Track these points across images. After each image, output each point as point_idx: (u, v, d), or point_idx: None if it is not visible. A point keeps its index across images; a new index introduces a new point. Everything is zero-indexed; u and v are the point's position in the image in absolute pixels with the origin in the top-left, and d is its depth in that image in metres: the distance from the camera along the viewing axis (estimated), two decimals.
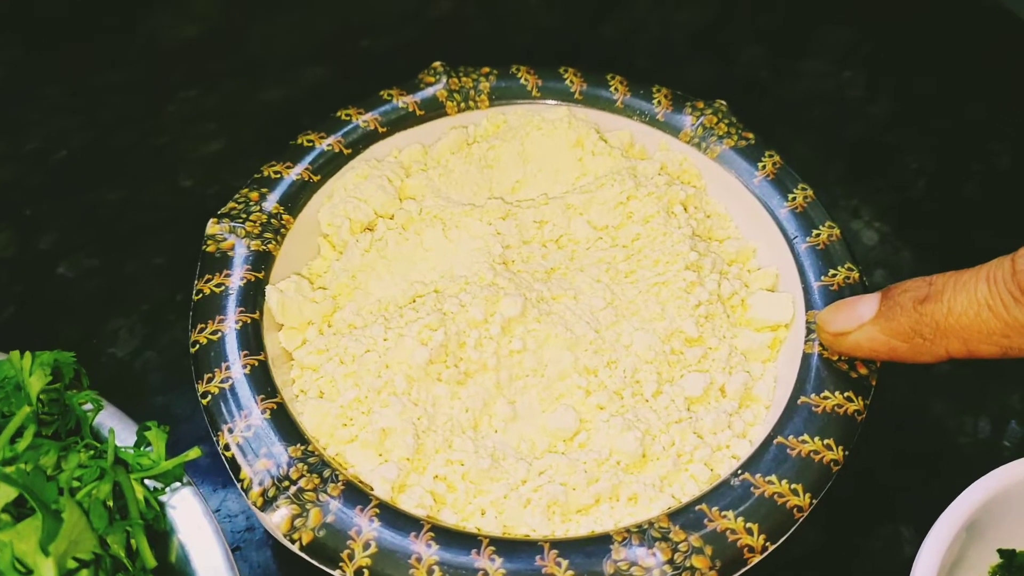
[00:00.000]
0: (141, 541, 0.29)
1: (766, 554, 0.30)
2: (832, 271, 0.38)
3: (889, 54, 0.63)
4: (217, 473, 0.40)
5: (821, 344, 0.35)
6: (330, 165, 0.42)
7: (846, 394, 0.34)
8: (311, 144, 0.43)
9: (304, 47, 0.63)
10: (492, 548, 0.30)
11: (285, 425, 0.33)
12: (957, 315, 0.28)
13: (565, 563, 0.29)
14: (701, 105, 0.45)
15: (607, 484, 0.33)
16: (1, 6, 0.64)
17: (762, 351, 0.38)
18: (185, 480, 0.31)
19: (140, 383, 0.44)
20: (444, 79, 0.46)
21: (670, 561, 0.29)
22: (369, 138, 0.44)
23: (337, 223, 0.40)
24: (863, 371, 0.35)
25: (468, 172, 0.44)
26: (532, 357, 0.36)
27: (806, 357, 0.36)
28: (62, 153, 0.55)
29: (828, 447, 0.32)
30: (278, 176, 0.41)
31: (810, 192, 0.41)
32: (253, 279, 0.37)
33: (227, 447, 0.32)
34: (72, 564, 0.26)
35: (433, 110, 0.45)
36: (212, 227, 0.39)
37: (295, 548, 0.30)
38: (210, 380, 0.34)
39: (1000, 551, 0.35)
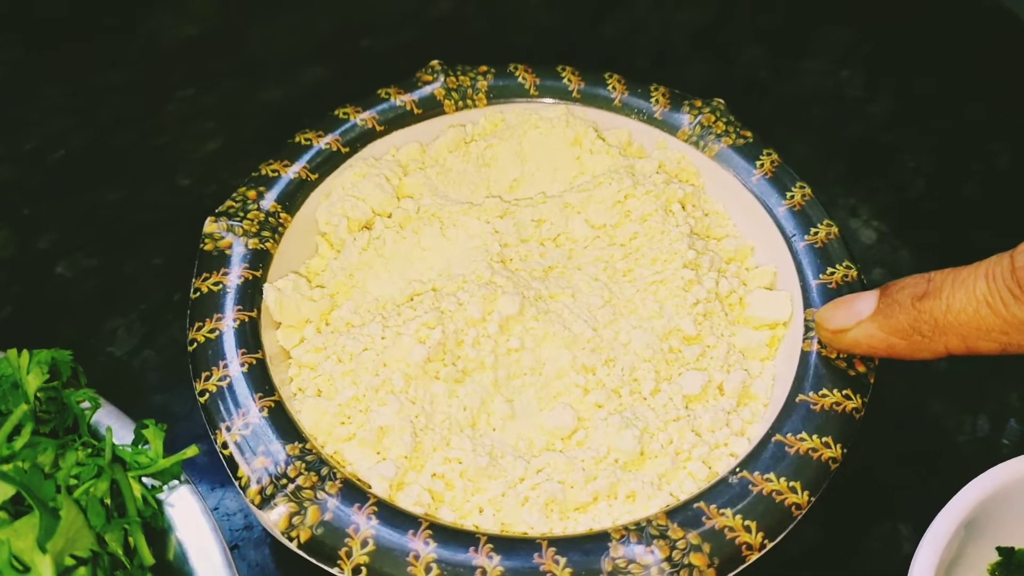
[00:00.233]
0: (139, 539, 0.29)
1: (764, 552, 0.30)
2: (830, 269, 0.38)
3: (889, 54, 0.63)
4: (215, 471, 0.40)
5: (820, 342, 0.35)
6: (328, 163, 0.42)
7: (844, 392, 0.34)
8: (309, 142, 0.43)
9: (304, 47, 0.63)
10: (490, 546, 0.30)
11: (283, 423, 0.33)
12: (956, 312, 0.28)
13: (563, 560, 0.29)
14: (699, 104, 0.45)
15: (605, 482, 0.33)
16: (1, 6, 0.64)
17: (760, 349, 0.38)
18: (183, 478, 0.31)
19: (138, 382, 0.44)
20: (442, 78, 0.46)
21: (668, 559, 0.29)
22: (367, 136, 0.44)
23: (335, 221, 0.41)
24: (861, 369, 0.35)
25: (466, 171, 0.44)
26: (530, 355, 0.36)
27: (804, 355, 0.36)
28: (61, 153, 0.55)
29: (826, 445, 0.32)
30: (276, 175, 0.41)
31: (808, 190, 0.41)
32: (251, 277, 0.37)
33: (225, 445, 0.32)
34: (70, 562, 0.26)
35: (431, 109, 0.45)
36: (210, 225, 0.39)
37: (293, 546, 0.30)
38: (208, 378, 0.34)
39: (999, 549, 0.35)
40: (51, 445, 0.30)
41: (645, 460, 0.34)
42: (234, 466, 0.32)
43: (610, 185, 0.41)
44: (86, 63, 0.61)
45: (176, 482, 0.31)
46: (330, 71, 0.60)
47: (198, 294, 0.37)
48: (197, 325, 0.36)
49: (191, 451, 0.31)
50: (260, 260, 0.38)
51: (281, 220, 0.40)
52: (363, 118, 0.44)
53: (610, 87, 0.46)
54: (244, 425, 0.33)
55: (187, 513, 0.30)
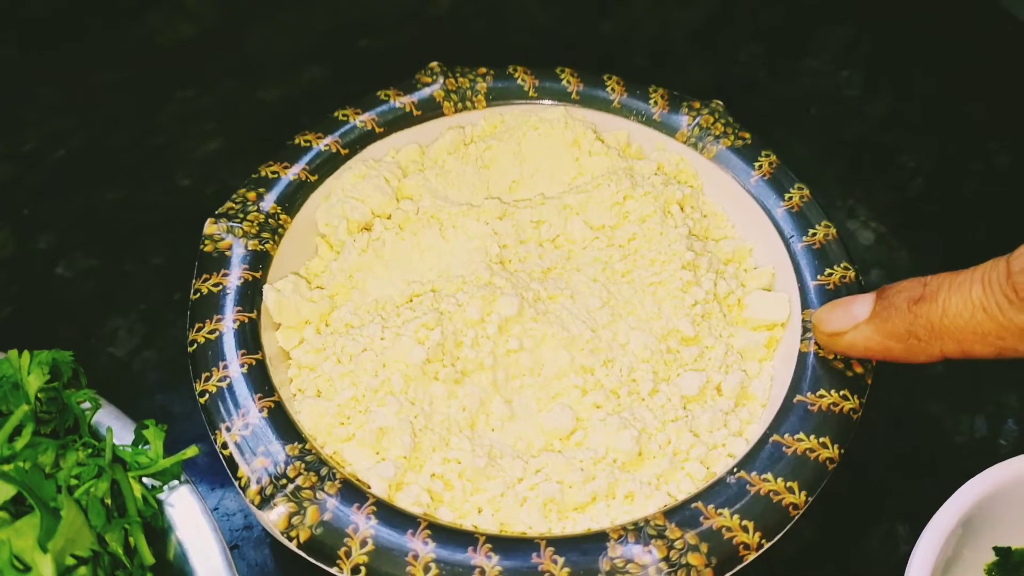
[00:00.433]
0: (139, 538, 0.29)
1: (762, 551, 0.30)
2: (828, 270, 0.38)
3: (888, 54, 0.63)
4: (215, 472, 0.40)
5: (817, 343, 0.35)
6: (327, 165, 0.42)
7: (842, 392, 0.34)
8: (308, 144, 0.43)
9: (302, 47, 0.63)
10: (489, 545, 0.30)
11: (283, 424, 0.33)
12: (952, 316, 0.28)
13: (561, 560, 0.29)
14: (698, 105, 0.45)
15: (603, 482, 0.33)
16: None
17: (758, 350, 0.38)
18: (183, 478, 0.31)
19: (139, 382, 0.44)
20: (441, 79, 0.46)
21: (666, 558, 0.29)
22: (366, 138, 0.44)
23: (334, 223, 0.41)
24: (859, 370, 0.35)
25: (465, 172, 0.44)
26: (529, 356, 0.36)
27: (802, 356, 0.36)
28: (60, 153, 0.55)
29: (824, 445, 0.33)
30: (275, 176, 0.41)
31: (807, 192, 0.41)
32: (251, 279, 0.37)
33: (225, 445, 0.32)
34: (70, 561, 0.26)
35: (430, 110, 0.45)
36: (210, 227, 0.39)
37: (292, 546, 0.30)
38: (208, 379, 0.34)
39: (996, 549, 0.35)
40: (52, 445, 0.30)
41: (643, 460, 0.34)
42: (234, 466, 0.32)
43: (609, 186, 0.41)
44: (85, 63, 0.61)
45: (176, 482, 0.31)
46: (329, 71, 0.61)
47: (198, 295, 0.37)
48: (197, 326, 0.36)
49: (191, 451, 0.31)
50: (260, 261, 0.38)
51: (281, 221, 0.40)
52: (363, 120, 0.44)
53: (609, 88, 0.46)
54: (244, 425, 0.33)
55: (187, 513, 0.30)
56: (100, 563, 0.27)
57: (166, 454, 0.31)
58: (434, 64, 0.46)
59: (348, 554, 0.30)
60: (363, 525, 0.30)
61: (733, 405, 0.36)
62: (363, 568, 0.29)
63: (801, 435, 0.33)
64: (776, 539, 0.31)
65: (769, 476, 0.32)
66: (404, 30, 0.64)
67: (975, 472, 0.33)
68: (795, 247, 0.39)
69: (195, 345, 0.35)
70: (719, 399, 0.37)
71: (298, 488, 0.31)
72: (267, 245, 0.39)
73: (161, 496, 0.31)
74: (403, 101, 0.45)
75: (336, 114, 0.44)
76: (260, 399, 0.34)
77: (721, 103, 0.45)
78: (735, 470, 0.32)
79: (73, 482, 0.29)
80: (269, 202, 0.40)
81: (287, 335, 0.38)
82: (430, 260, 0.40)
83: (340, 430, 0.34)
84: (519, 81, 0.46)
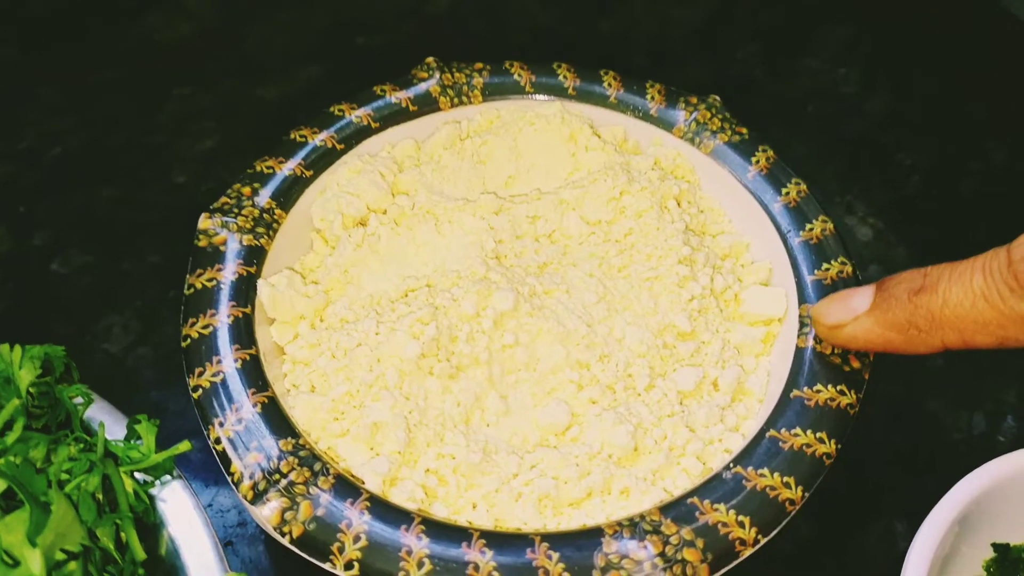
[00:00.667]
0: (130, 534, 0.29)
1: (758, 547, 0.30)
2: (825, 265, 0.38)
3: (887, 52, 0.63)
4: (210, 468, 0.40)
5: (816, 338, 0.35)
6: (323, 160, 0.42)
7: (839, 388, 0.34)
8: (304, 139, 0.43)
9: (300, 45, 0.63)
10: (483, 541, 0.30)
11: (276, 419, 0.33)
12: (952, 306, 0.28)
13: (556, 556, 0.29)
14: (695, 100, 0.45)
15: (599, 478, 0.33)
16: None
17: (755, 345, 0.38)
18: (175, 473, 0.31)
19: (134, 379, 0.44)
20: (437, 75, 0.46)
21: (661, 554, 0.29)
22: (362, 133, 0.44)
23: (329, 218, 0.40)
24: (856, 365, 0.35)
25: (461, 167, 0.44)
26: (524, 351, 0.36)
27: (799, 351, 0.36)
28: (57, 150, 0.55)
29: (820, 440, 0.32)
30: (271, 171, 0.41)
31: (803, 187, 0.41)
32: (245, 273, 0.37)
33: (218, 440, 0.32)
34: (60, 556, 0.26)
35: (426, 105, 0.45)
36: (204, 222, 0.39)
37: (285, 541, 0.30)
38: (201, 374, 0.34)
39: (994, 545, 0.34)
40: (43, 440, 0.30)
41: (639, 456, 0.34)
42: (227, 461, 0.32)
43: (605, 181, 0.41)
44: (84, 62, 0.61)
45: (168, 477, 0.31)
46: (326, 69, 0.60)
47: (192, 290, 0.37)
48: (191, 321, 0.36)
49: (184, 446, 0.31)
50: (254, 256, 0.38)
51: (276, 216, 0.40)
52: (358, 115, 0.44)
53: (606, 84, 0.46)
54: (237, 420, 0.33)
55: (179, 508, 0.30)
56: (91, 558, 0.27)
57: (159, 450, 0.31)
58: (430, 59, 0.46)
59: (341, 549, 0.29)
60: (356, 520, 0.30)
61: (729, 400, 0.36)
62: (356, 564, 0.29)
63: (798, 430, 0.33)
64: (772, 535, 0.31)
65: (765, 471, 0.32)
66: (403, 29, 0.64)
67: (973, 469, 0.33)
68: (792, 242, 0.39)
69: (189, 340, 0.35)
70: (715, 394, 0.36)
71: (291, 483, 0.31)
72: (262, 240, 0.39)
73: (153, 491, 0.31)
74: (399, 96, 0.45)
75: (332, 109, 0.44)
76: (254, 394, 0.33)
77: (718, 98, 0.45)
78: (731, 465, 0.32)
79: (64, 477, 0.29)
80: (264, 197, 0.40)
81: (281, 330, 0.37)
82: (425, 255, 0.40)
83: (334, 425, 0.34)
84: (515, 76, 0.46)
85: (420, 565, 0.29)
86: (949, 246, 0.50)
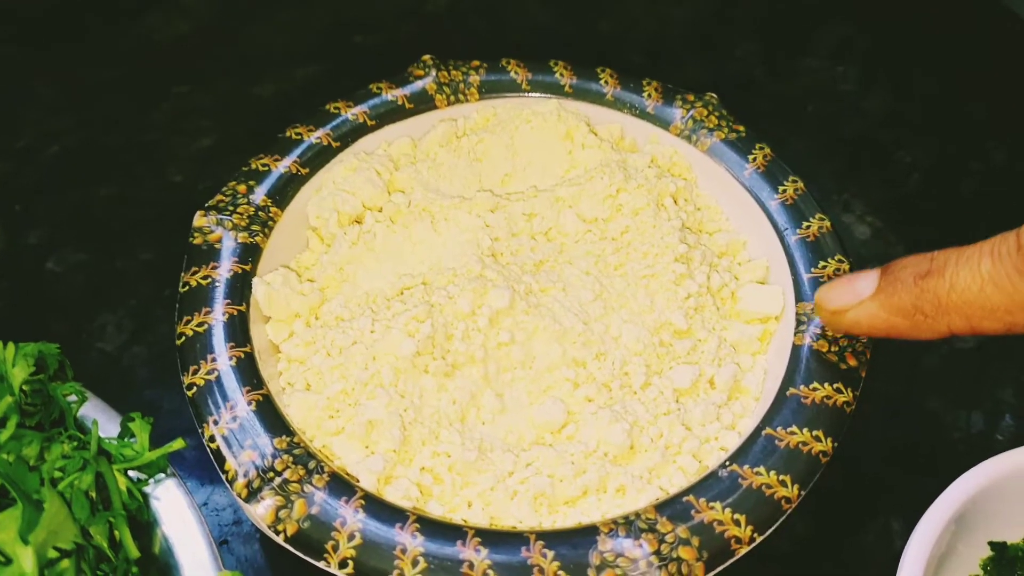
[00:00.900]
0: (124, 532, 0.28)
1: (753, 545, 0.30)
2: (822, 263, 0.38)
3: (886, 51, 0.63)
4: (205, 467, 0.40)
5: (819, 328, 0.35)
6: (319, 158, 0.42)
7: (835, 386, 0.34)
8: (299, 137, 0.42)
9: (298, 44, 0.63)
10: (478, 539, 0.30)
11: (271, 417, 0.33)
12: (960, 291, 0.27)
13: (551, 554, 0.29)
14: (691, 98, 0.45)
15: (594, 476, 0.33)
16: None
17: (752, 343, 0.38)
18: (169, 472, 0.31)
19: (128, 377, 0.44)
20: (434, 72, 0.46)
21: (656, 552, 0.29)
22: (358, 131, 0.43)
23: (325, 216, 0.40)
24: (852, 363, 0.35)
25: (457, 165, 0.43)
26: (520, 349, 0.36)
27: (796, 349, 0.35)
28: (54, 149, 0.55)
29: (817, 438, 0.32)
30: (266, 169, 0.41)
31: (800, 184, 0.41)
32: (240, 271, 0.37)
33: (212, 439, 0.32)
34: (53, 554, 0.26)
35: (422, 103, 0.45)
36: (199, 219, 0.39)
37: (279, 539, 0.30)
38: (196, 372, 0.34)
39: (991, 543, 0.34)
40: (36, 438, 0.29)
41: (635, 454, 0.34)
42: (221, 459, 0.31)
43: (602, 179, 0.41)
44: (82, 60, 0.60)
45: (162, 475, 0.31)
46: (324, 68, 0.60)
47: (187, 288, 0.37)
48: (185, 319, 0.36)
49: (177, 444, 0.31)
50: (249, 254, 0.38)
51: (271, 214, 0.40)
52: (354, 113, 0.44)
53: (602, 82, 0.46)
54: (232, 418, 0.32)
55: (173, 506, 0.30)
56: (84, 556, 0.27)
57: (153, 448, 0.31)
58: (427, 57, 0.46)
59: (336, 548, 0.29)
60: (351, 519, 0.30)
61: (726, 398, 0.36)
62: (351, 562, 0.29)
63: (794, 428, 0.33)
64: (768, 533, 0.30)
65: (761, 469, 0.31)
66: (401, 27, 0.64)
67: (971, 468, 0.32)
68: (789, 239, 0.39)
69: (183, 338, 0.35)
70: (712, 392, 0.36)
71: (286, 481, 0.31)
72: (257, 238, 0.38)
73: (147, 489, 0.30)
74: (395, 94, 0.45)
75: (328, 107, 0.44)
76: (248, 392, 0.33)
77: (715, 96, 0.45)
78: (727, 463, 0.32)
79: (57, 475, 0.29)
80: (260, 195, 0.40)
81: (277, 328, 0.37)
82: (421, 253, 0.40)
83: (329, 423, 0.34)
84: (512, 74, 0.46)
85: (415, 563, 0.29)
86: (948, 245, 0.50)
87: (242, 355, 0.34)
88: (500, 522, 0.32)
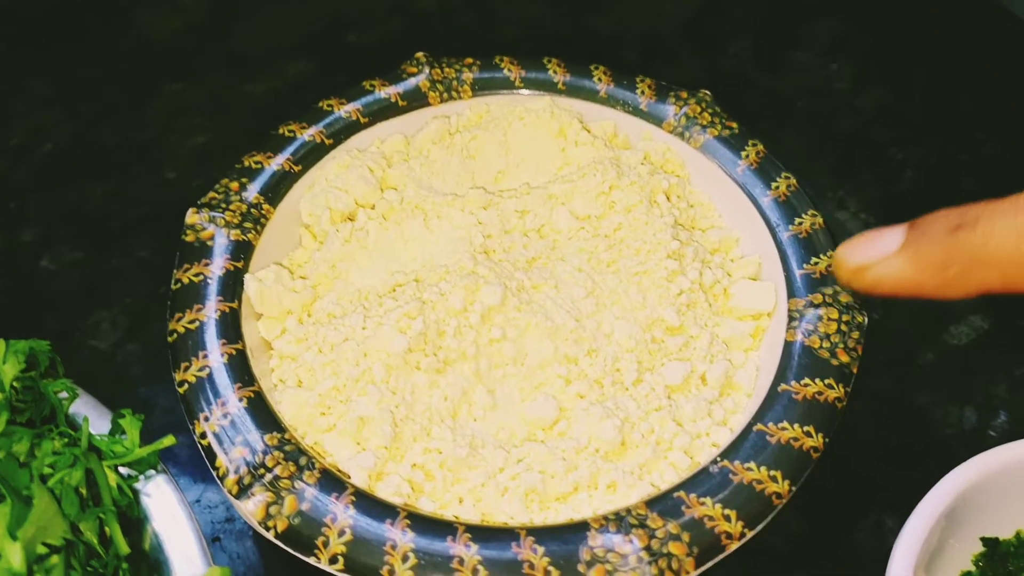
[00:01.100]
0: (114, 528, 0.28)
1: (744, 540, 0.30)
2: (814, 259, 0.38)
3: (878, 47, 0.63)
4: (197, 464, 0.40)
5: (805, 331, 0.35)
6: (311, 156, 0.42)
7: (827, 381, 0.34)
8: (292, 134, 0.42)
9: (291, 41, 0.63)
10: (468, 535, 0.30)
11: (262, 413, 0.33)
12: (995, 244, 0.25)
13: (541, 550, 0.29)
14: (684, 95, 0.45)
15: (585, 472, 0.33)
16: None
17: (744, 339, 0.38)
18: (160, 468, 0.31)
19: (122, 375, 0.44)
20: (427, 70, 0.46)
21: (647, 547, 0.29)
22: (351, 128, 0.43)
23: (317, 213, 0.40)
24: (844, 359, 0.35)
25: (450, 162, 0.43)
26: (512, 346, 0.36)
27: (788, 345, 0.35)
28: (48, 147, 0.54)
29: (808, 434, 0.32)
30: (259, 166, 0.41)
31: (793, 181, 0.41)
32: (232, 268, 0.37)
33: (203, 435, 0.32)
34: (42, 549, 0.26)
35: (416, 100, 0.45)
36: (191, 217, 0.39)
37: (270, 535, 0.30)
38: (187, 369, 0.34)
39: (983, 539, 0.34)
40: (27, 434, 0.29)
41: (626, 450, 0.34)
42: (212, 456, 0.31)
43: (595, 176, 0.41)
44: (74, 57, 0.60)
45: (153, 472, 0.31)
46: (317, 65, 0.60)
47: (179, 285, 0.37)
48: (177, 316, 0.36)
49: (168, 440, 0.31)
50: (242, 251, 0.38)
51: (264, 211, 0.40)
52: (347, 110, 0.44)
53: (596, 79, 0.46)
54: (223, 415, 0.32)
55: (163, 503, 0.30)
56: (74, 552, 0.27)
57: (145, 445, 0.31)
58: (420, 54, 0.46)
59: (326, 544, 0.29)
60: (341, 515, 0.30)
61: (718, 394, 0.36)
62: (341, 558, 0.29)
63: (785, 424, 0.33)
64: (759, 528, 0.30)
65: (752, 465, 0.31)
66: (392, 24, 0.64)
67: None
68: (781, 236, 0.39)
69: (175, 335, 0.35)
70: (703, 388, 0.36)
71: (276, 478, 0.31)
72: (249, 235, 0.38)
73: (137, 486, 0.30)
74: (388, 91, 0.45)
75: (320, 104, 0.44)
76: (240, 389, 0.33)
77: (708, 93, 0.45)
78: (718, 459, 0.32)
79: (48, 471, 0.29)
80: (252, 192, 0.40)
81: (269, 325, 0.37)
82: (414, 250, 0.40)
83: (321, 420, 0.34)
84: (505, 71, 0.46)
85: (405, 559, 0.29)
86: None
87: (234, 352, 0.34)
88: (491, 518, 0.32)
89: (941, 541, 0.32)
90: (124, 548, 0.28)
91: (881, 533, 0.39)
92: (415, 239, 0.40)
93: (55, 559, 0.26)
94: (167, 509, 0.30)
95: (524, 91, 0.46)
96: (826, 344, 0.35)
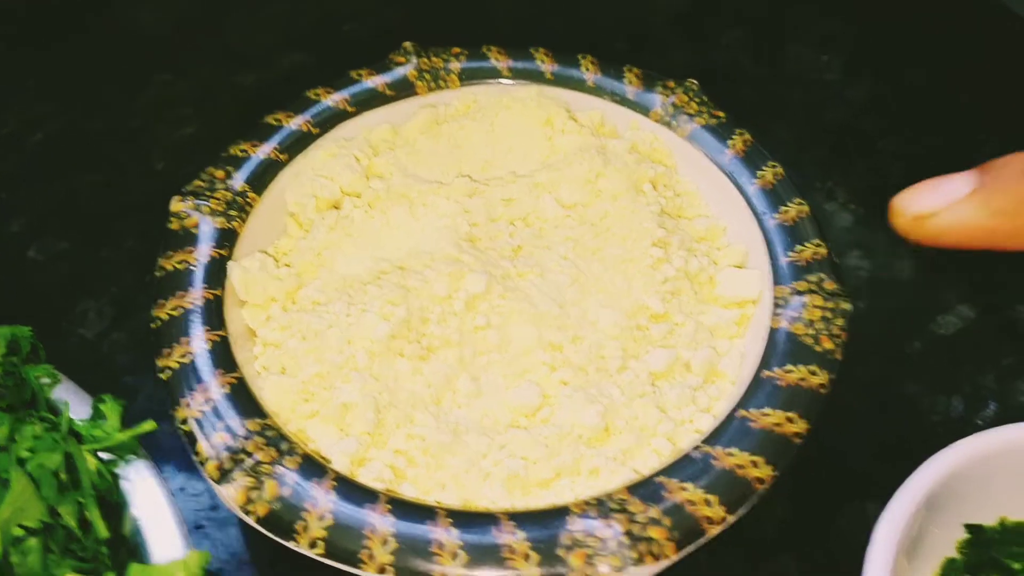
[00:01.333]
0: (93, 512, 0.28)
1: (726, 525, 0.30)
2: (799, 247, 0.38)
3: (871, 40, 0.63)
4: (181, 452, 0.39)
5: (790, 319, 0.35)
6: (298, 144, 0.42)
7: (810, 368, 0.34)
8: (279, 123, 0.42)
9: (282, 32, 0.62)
10: (449, 520, 0.30)
11: (244, 400, 0.33)
12: None
13: (521, 534, 0.29)
14: (672, 84, 0.45)
15: (568, 458, 0.33)
16: None
17: (729, 327, 0.38)
18: (141, 454, 0.31)
19: (109, 364, 0.44)
20: (414, 59, 0.46)
21: (627, 532, 0.29)
22: (338, 118, 0.43)
23: (303, 201, 0.40)
24: (828, 345, 0.34)
25: (437, 151, 0.43)
26: (496, 333, 0.36)
27: (772, 332, 0.35)
28: (38, 136, 0.54)
29: (790, 420, 0.32)
30: (245, 155, 0.41)
31: (779, 169, 0.41)
32: (217, 256, 0.37)
33: (184, 421, 0.32)
34: (18, 531, 0.26)
35: (403, 90, 0.45)
36: (176, 204, 0.39)
37: (250, 520, 0.30)
38: (169, 355, 0.34)
39: (967, 526, 0.34)
40: (6, 419, 0.29)
41: (609, 436, 0.34)
42: (193, 441, 0.31)
43: (581, 164, 0.41)
44: (65, 47, 0.60)
45: (134, 458, 0.31)
46: (308, 56, 0.60)
47: (163, 272, 0.37)
48: (161, 303, 0.36)
49: (148, 425, 0.31)
50: (226, 239, 0.38)
51: (249, 199, 0.40)
52: (334, 99, 0.44)
53: (583, 68, 0.46)
54: (205, 401, 0.32)
55: (143, 488, 0.30)
56: (53, 536, 0.27)
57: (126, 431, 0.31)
58: (407, 44, 0.46)
59: (306, 528, 0.29)
60: (322, 500, 0.30)
61: (702, 381, 0.36)
62: (321, 542, 0.29)
63: (767, 410, 0.32)
64: (740, 513, 0.30)
65: (734, 450, 0.31)
66: (385, 15, 0.64)
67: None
68: (767, 223, 0.39)
69: (159, 322, 0.35)
70: (688, 375, 0.36)
71: (257, 463, 0.31)
72: (234, 223, 0.38)
73: (118, 471, 0.30)
74: (376, 81, 0.45)
75: (308, 93, 0.44)
76: (222, 375, 0.33)
77: (695, 82, 0.45)
78: (700, 445, 0.32)
79: (27, 455, 0.29)
80: (238, 180, 0.40)
81: (253, 313, 0.37)
82: (399, 238, 0.40)
83: (304, 407, 0.34)
84: (493, 61, 0.46)
85: (385, 543, 0.29)
86: None
87: (217, 339, 0.34)
88: (473, 504, 0.32)
89: (923, 527, 0.32)
90: (103, 532, 0.28)
91: (866, 519, 0.38)
92: (400, 227, 0.40)
93: (32, 542, 0.26)
94: (147, 494, 0.30)
95: (512, 81, 0.46)
96: (810, 331, 0.35)
